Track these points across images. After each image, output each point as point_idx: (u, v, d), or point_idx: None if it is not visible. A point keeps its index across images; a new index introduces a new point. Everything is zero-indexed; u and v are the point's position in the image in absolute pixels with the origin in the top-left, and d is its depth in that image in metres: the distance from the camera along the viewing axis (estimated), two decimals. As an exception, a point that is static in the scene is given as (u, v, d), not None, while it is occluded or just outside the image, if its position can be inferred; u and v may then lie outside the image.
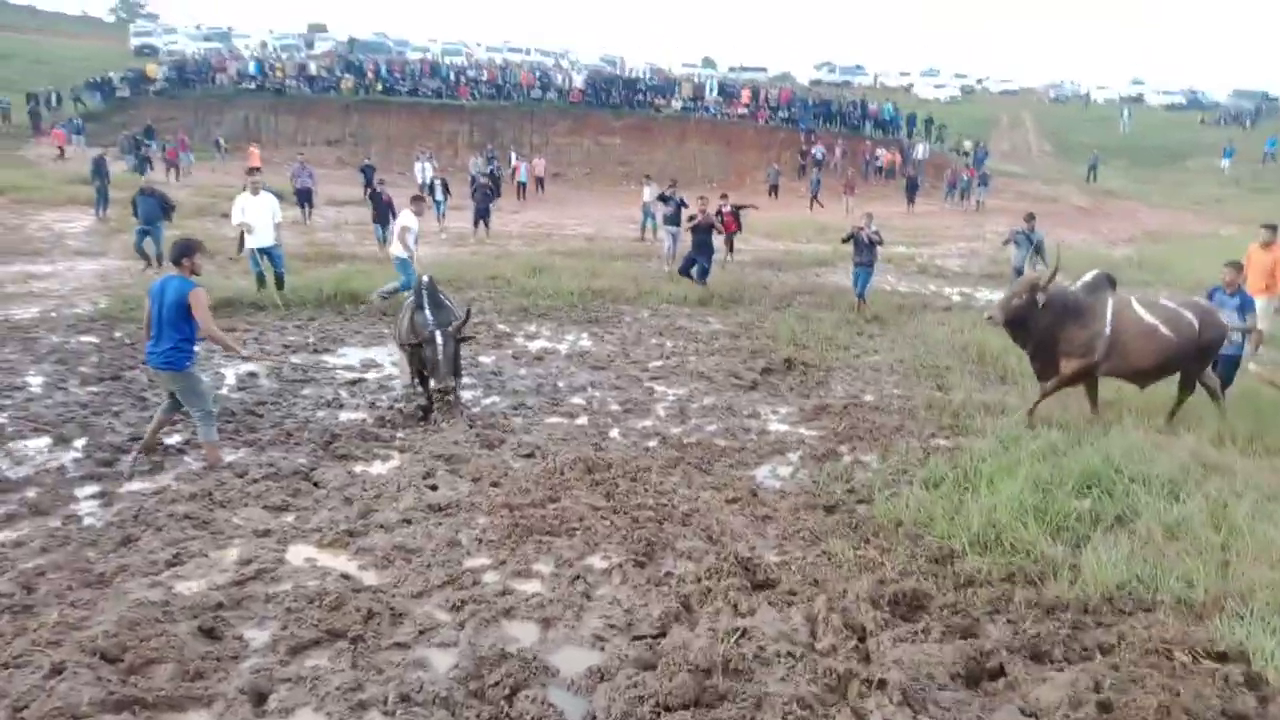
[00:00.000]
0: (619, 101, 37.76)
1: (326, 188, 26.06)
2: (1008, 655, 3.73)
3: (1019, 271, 13.22)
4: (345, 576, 4.52)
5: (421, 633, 3.97)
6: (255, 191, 12.17)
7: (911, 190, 29.65)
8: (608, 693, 3.44)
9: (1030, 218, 13.79)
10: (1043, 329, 7.62)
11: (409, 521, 5.30)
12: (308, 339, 10.42)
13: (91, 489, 5.82)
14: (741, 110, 37.85)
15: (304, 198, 21.23)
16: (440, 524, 5.26)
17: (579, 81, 38.34)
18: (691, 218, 14.92)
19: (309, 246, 17.30)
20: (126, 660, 3.54)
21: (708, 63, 56.23)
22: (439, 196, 21.54)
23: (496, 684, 3.48)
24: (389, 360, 9.74)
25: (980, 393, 8.82)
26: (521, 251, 18.11)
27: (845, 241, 13.95)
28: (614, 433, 7.56)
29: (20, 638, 3.71)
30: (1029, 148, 45.58)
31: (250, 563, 4.64)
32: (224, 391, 8.24)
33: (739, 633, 3.82)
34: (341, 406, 8.02)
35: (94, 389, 8.15)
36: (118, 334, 10.15)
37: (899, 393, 9.17)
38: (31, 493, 5.68)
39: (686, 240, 15.82)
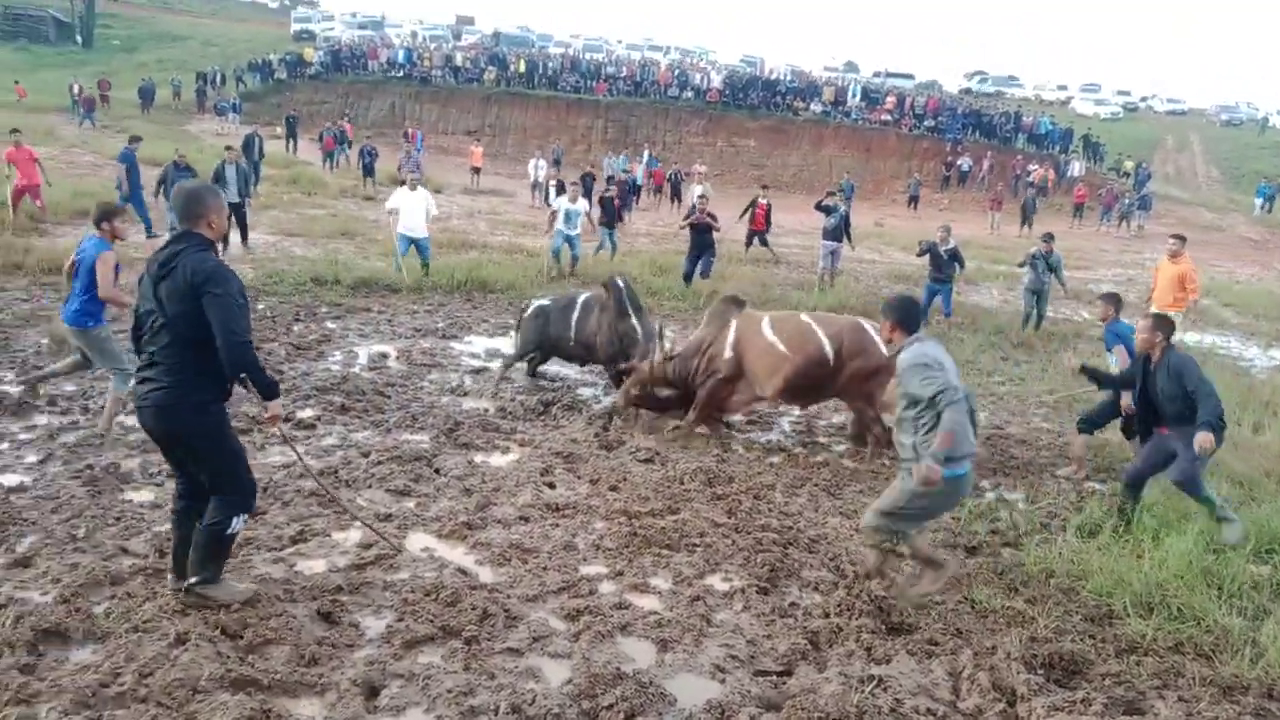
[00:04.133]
0: (756, 103, 37.24)
1: (454, 175, 26.83)
2: (1184, 743, 3.27)
3: (1032, 292, 12.60)
4: (462, 571, 4.42)
5: (535, 640, 3.81)
6: (414, 187, 12.88)
7: (1026, 212, 27.59)
8: (730, 733, 3.18)
9: (1048, 238, 12.74)
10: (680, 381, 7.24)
11: (526, 519, 5.18)
12: (437, 324, 10.57)
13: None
14: (884, 117, 36.67)
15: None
16: (557, 525, 5.11)
17: (717, 81, 38.02)
18: (687, 217, 14.73)
19: (442, 234, 17.73)
20: (246, 638, 3.52)
21: (850, 67, 54.78)
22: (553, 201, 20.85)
23: (610, 706, 3.27)
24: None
25: (1140, 434, 8.08)
26: (648, 250, 18.01)
27: (920, 255, 13.29)
28: (736, 445, 7.28)
29: (150, 602, 3.75)
30: (1195, 173, 42.40)
31: (370, 547, 4.61)
32: (355, 370, 8.40)
33: (874, 681, 3.48)
34: (465, 394, 8.05)
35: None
36: (261, 306, 10.56)
37: (1048, 426, 8.53)
38: (170, 455, 5.87)
39: (845, 254, 15.53)
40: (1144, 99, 56.83)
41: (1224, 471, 6.82)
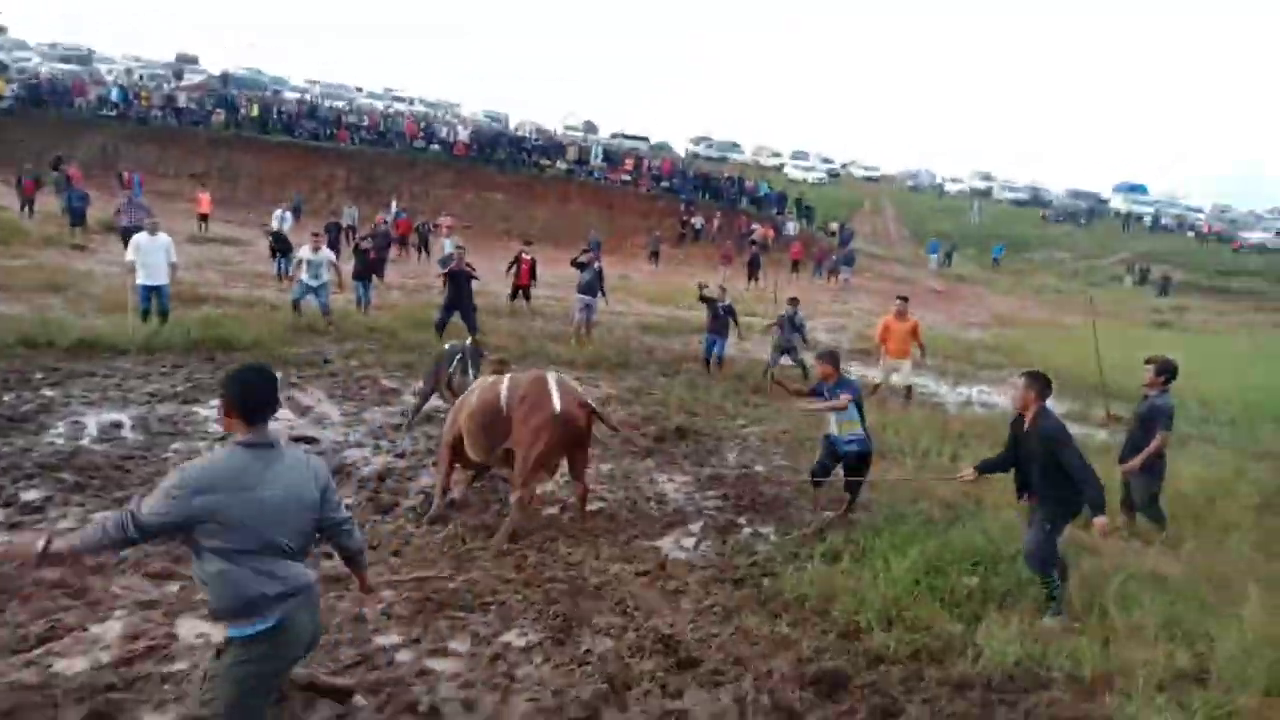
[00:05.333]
0: (504, 159, 37.93)
1: (179, 224, 24.63)
2: (934, 735, 3.85)
3: (781, 349, 13.98)
4: (246, 656, 4.20)
5: (340, 717, 3.73)
6: (153, 232, 12.16)
7: (753, 267, 30.59)
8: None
9: (793, 301, 14.46)
10: None
11: (310, 593, 5.00)
12: (175, 387, 9.75)
13: (-65, 550, 5.20)
14: (624, 176, 38.73)
15: (129, 236, 18.68)
16: (342, 597, 4.98)
17: (464, 135, 38.30)
18: (445, 266, 14.78)
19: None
20: (8, 755, 3.16)
21: (589, 127, 57.29)
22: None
23: (427, 774, 3.31)
24: (269, 414, 9.26)
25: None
26: (401, 303, 17.70)
27: (700, 300, 14.31)
28: (514, 498, 7.41)
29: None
30: (889, 232, 48.60)
31: (138, 638, 4.25)
32: (85, 443, 7.59)
33: (673, 716, 3.78)
34: (219, 462, 7.52)
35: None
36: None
37: (787, 464, 9.43)
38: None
39: (600, 306, 16.07)
40: (844, 165, 64.27)
41: (933, 496, 7.94)
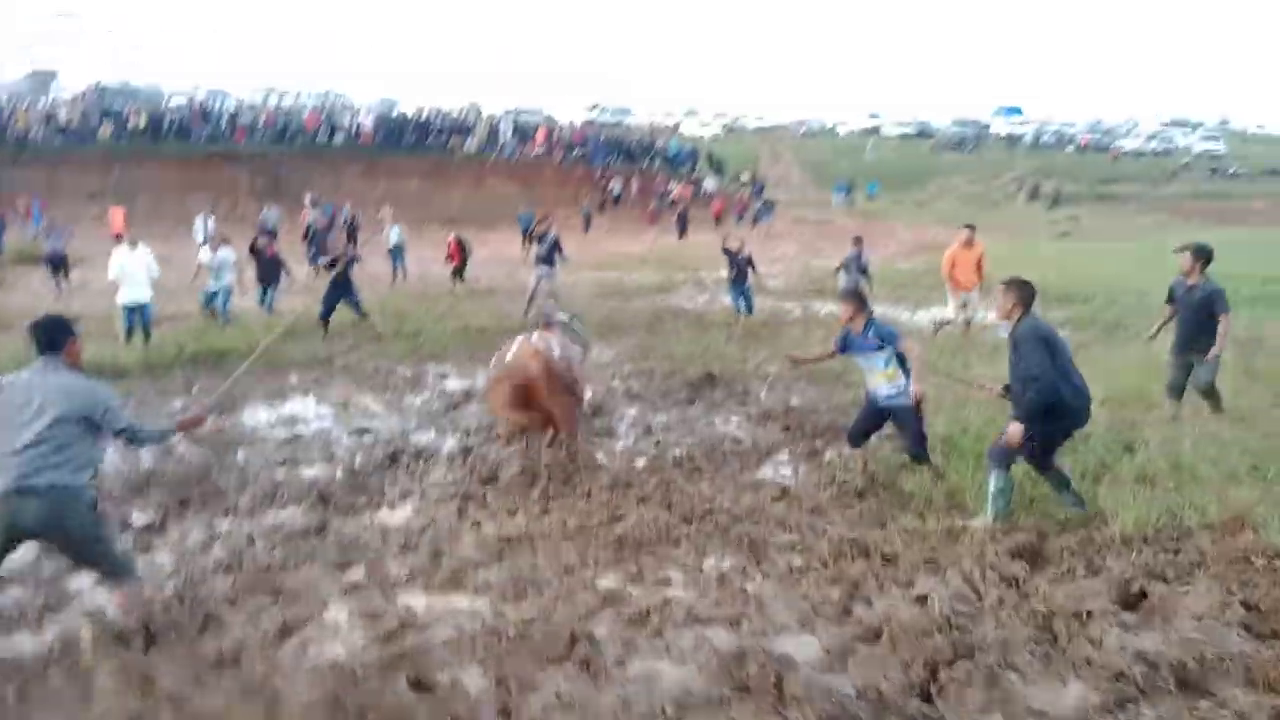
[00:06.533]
0: (413, 143, 37.01)
1: (91, 246, 23.28)
2: (1143, 579, 4.28)
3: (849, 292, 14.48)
4: (499, 612, 4.31)
5: (627, 648, 3.90)
6: (134, 246, 11.72)
7: (682, 224, 31.33)
8: (864, 665, 3.59)
9: (858, 240, 14.90)
10: None
11: (498, 556, 5.10)
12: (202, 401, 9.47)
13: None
14: (537, 150, 38.38)
15: (57, 264, 17.25)
16: (534, 554, 5.10)
17: (369, 123, 37.18)
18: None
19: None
20: (370, 720, 3.22)
21: (474, 108, 56.19)
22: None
23: (758, 677, 3.53)
24: (312, 414, 9.11)
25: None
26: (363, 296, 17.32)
27: (723, 251, 14.47)
28: (599, 455, 7.56)
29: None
30: (791, 179, 49.74)
31: (377, 617, 4.29)
32: (149, 465, 7.35)
33: (925, 599, 4.09)
34: (298, 464, 7.42)
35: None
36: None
37: (818, 395, 9.80)
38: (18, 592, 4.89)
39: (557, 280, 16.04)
40: (736, 119, 65.02)
41: (983, 401, 8.39)
